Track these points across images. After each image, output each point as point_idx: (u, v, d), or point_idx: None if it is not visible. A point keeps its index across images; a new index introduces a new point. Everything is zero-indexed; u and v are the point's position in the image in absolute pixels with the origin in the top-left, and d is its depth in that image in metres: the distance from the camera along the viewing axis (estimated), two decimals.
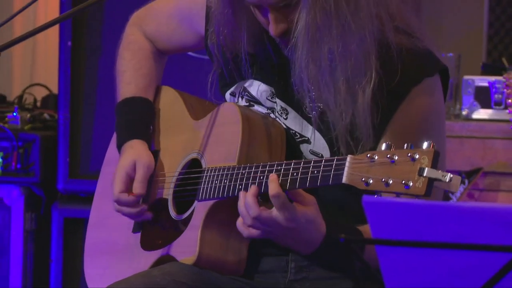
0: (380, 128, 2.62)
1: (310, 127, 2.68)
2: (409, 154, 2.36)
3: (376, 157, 2.39)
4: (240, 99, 2.79)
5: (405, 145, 2.37)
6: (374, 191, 2.37)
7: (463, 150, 4.01)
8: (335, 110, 2.59)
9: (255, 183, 2.57)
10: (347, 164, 2.41)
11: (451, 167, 3.90)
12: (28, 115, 4.31)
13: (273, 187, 2.48)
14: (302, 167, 2.52)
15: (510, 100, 4.01)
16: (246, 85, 2.79)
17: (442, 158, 2.55)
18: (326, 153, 2.65)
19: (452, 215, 2.04)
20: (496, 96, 4.07)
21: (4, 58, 4.11)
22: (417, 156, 2.35)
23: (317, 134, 2.67)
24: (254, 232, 2.54)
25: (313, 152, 2.67)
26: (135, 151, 2.85)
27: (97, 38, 4.16)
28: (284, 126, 2.72)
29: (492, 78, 4.08)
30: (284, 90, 2.73)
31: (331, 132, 2.62)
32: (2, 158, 4.20)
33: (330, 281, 2.75)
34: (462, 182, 3.97)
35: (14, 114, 4.27)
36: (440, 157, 2.40)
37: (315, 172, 2.48)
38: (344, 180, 2.39)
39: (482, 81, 4.10)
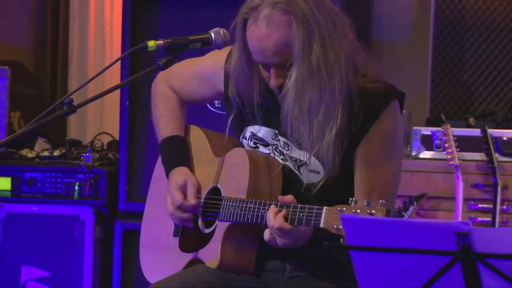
0: (348, 154, 2.60)
1: (305, 154, 2.65)
2: (368, 211, 2.37)
3: (344, 210, 2.41)
4: (250, 141, 2.75)
5: (365, 201, 2.40)
6: (341, 235, 2.39)
7: (413, 181, 3.99)
8: (308, 143, 2.58)
9: (258, 214, 2.60)
10: (323, 214, 2.44)
11: (405, 193, 3.87)
12: (97, 155, 4.30)
13: (280, 221, 2.51)
14: (292, 209, 2.54)
15: (446, 145, 3.98)
16: (254, 131, 2.76)
17: (399, 168, 2.65)
18: (321, 170, 2.63)
19: (405, 228, 2.03)
20: (436, 141, 4.04)
21: (80, 112, 4.09)
22: (373, 212, 2.36)
23: (312, 157, 2.62)
24: (272, 238, 2.54)
25: (310, 171, 2.65)
26: (185, 173, 2.81)
27: (147, 100, 4.15)
28: (288, 157, 2.69)
29: (434, 129, 4.06)
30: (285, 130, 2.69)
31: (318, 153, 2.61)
32: (78, 186, 4.18)
33: (316, 278, 2.73)
34: (412, 204, 3.94)
35: (87, 154, 4.25)
36: (394, 184, 2.44)
37: (301, 215, 2.51)
38: (321, 225, 2.41)
39: (427, 130, 4.08)
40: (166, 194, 2.80)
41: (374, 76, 2.64)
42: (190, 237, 2.82)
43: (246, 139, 2.77)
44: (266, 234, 2.55)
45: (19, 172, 4.20)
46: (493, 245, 1.93)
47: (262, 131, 2.74)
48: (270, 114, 2.70)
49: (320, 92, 2.54)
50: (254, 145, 2.75)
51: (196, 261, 2.73)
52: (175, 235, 2.85)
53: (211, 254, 2.69)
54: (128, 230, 4.09)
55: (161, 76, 2.98)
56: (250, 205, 2.60)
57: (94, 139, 4.54)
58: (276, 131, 2.72)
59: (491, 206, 3.90)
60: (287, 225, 2.49)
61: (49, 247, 4.16)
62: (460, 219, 3.85)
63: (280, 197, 2.56)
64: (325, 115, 2.55)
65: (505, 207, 3.93)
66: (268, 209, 2.54)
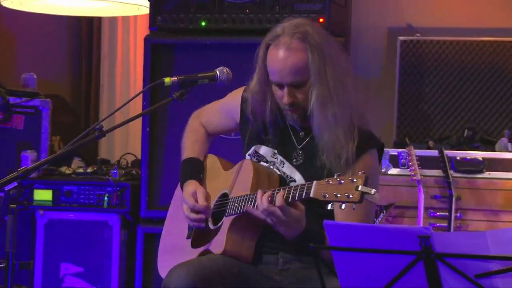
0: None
1: (297, 172, 2.64)
2: (350, 178, 2.35)
3: (331, 181, 2.38)
4: (253, 157, 2.75)
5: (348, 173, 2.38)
6: (329, 200, 2.37)
7: (383, 193, 3.97)
8: (335, 150, 2.58)
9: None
10: (313, 185, 2.40)
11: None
12: (123, 172, 4.29)
13: (280, 200, 2.45)
14: (292, 189, 2.50)
15: (410, 163, 3.98)
16: (256, 149, 2.75)
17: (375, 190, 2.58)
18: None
19: (377, 232, 2.01)
20: (402, 160, 4.03)
21: (109, 136, 4.08)
22: (355, 180, 2.34)
23: (299, 176, 2.63)
24: (266, 218, 2.50)
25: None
26: (195, 185, 2.81)
27: (164, 126, 4.15)
28: (282, 172, 2.68)
29: (400, 150, 4.06)
30: (285, 149, 2.69)
31: (308, 172, 2.61)
32: (107, 197, 4.16)
33: (303, 271, 2.71)
34: (382, 212, 3.92)
35: (115, 171, 4.24)
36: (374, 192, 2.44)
37: (294, 192, 2.48)
38: (311, 194, 2.39)
39: (394, 151, 4.07)
40: (182, 203, 2.80)
41: (364, 121, 2.66)
42: (201, 236, 2.81)
43: (250, 156, 2.77)
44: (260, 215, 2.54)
45: (58, 186, 4.19)
46: (449, 247, 1.93)
47: (263, 149, 2.74)
48: (273, 135, 2.71)
49: (340, 107, 2.57)
50: (257, 161, 2.75)
51: (206, 252, 2.72)
52: (188, 237, 2.84)
53: (217, 245, 2.67)
54: (148, 233, 4.07)
55: (194, 113, 3.02)
56: (252, 196, 2.58)
57: (120, 158, 4.53)
58: (275, 151, 2.72)
59: (447, 214, 3.89)
60: (271, 206, 2.46)
61: (83, 248, 4.14)
62: (421, 224, 3.84)
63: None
64: (345, 128, 2.57)
65: (458, 214, 3.92)
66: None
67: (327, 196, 2.33)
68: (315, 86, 2.56)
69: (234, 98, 2.85)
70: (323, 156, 2.60)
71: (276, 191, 2.49)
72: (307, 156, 2.67)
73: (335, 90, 2.55)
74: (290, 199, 2.45)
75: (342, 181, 2.32)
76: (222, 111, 2.93)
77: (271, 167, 2.72)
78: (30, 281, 4.16)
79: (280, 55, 2.57)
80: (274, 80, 2.62)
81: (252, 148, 2.76)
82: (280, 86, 2.61)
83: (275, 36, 2.60)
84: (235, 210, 2.64)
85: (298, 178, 2.66)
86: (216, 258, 2.64)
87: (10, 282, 2.46)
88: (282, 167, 2.69)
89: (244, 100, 2.79)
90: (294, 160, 2.68)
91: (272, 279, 2.69)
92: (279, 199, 2.44)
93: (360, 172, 2.31)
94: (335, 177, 2.36)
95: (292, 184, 2.65)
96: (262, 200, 2.47)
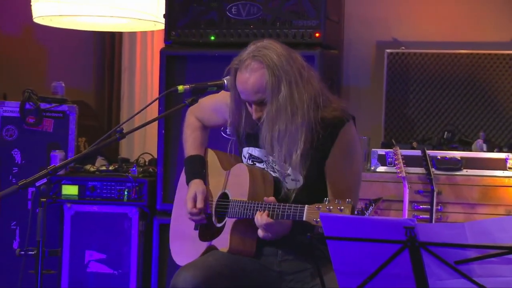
0: (319, 167, 2.57)
1: (289, 167, 2.61)
2: (338, 207, 2.35)
3: (321, 207, 2.39)
4: (248, 160, 2.74)
5: (336, 200, 2.38)
6: (319, 226, 2.37)
7: (372, 188, 3.96)
8: (281, 161, 2.57)
9: (256, 212, 2.56)
10: (305, 210, 2.42)
11: (366, 197, 3.83)
12: (141, 169, 4.27)
13: (265, 218, 2.49)
14: (282, 208, 2.51)
15: (396, 162, 3.96)
16: (249, 151, 2.73)
17: (357, 182, 2.59)
18: (300, 179, 2.61)
19: (367, 224, 2.00)
20: (389, 159, 4.01)
21: (129, 138, 4.07)
22: (342, 208, 2.34)
23: (290, 168, 2.60)
24: (262, 233, 2.52)
25: (292, 180, 2.63)
26: (197, 185, 2.78)
27: (178, 129, 4.15)
28: (275, 170, 2.66)
29: (387, 150, 4.04)
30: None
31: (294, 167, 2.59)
32: (127, 192, 4.15)
33: (301, 261, 2.70)
34: (371, 205, 3.90)
35: (134, 168, 4.23)
36: (355, 184, 2.48)
37: (288, 212, 2.48)
38: (304, 219, 2.41)
39: (382, 151, 4.06)
40: (185, 203, 2.80)
41: (334, 107, 2.61)
42: (207, 230, 2.79)
43: (245, 158, 2.75)
44: (260, 232, 2.54)
45: (84, 182, 4.18)
46: (432, 236, 1.91)
47: (256, 151, 2.73)
48: (257, 139, 2.68)
49: (286, 124, 2.52)
50: (252, 163, 2.73)
51: (211, 248, 2.70)
52: (195, 229, 2.83)
53: (223, 242, 2.66)
54: (164, 224, 4.03)
55: (190, 109, 2.97)
56: (250, 205, 2.58)
57: (139, 157, 4.51)
58: (265, 153, 2.71)
59: (429, 207, 3.88)
60: (269, 220, 2.48)
61: (105, 237, 4.13)
62: (406, 216, 3.83)
63: (265, 198, 2.55)
64: (290, 141, 2.53)
65: (439, 207, 3.90)
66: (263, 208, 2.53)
67: (318, 221, 2.35)
68: (268, 104, 2.54)
69: (224, 98, 2.82)
70: (279, 165, 2.62)
71: (271, 207, 2.52)
72: None
73: (284, 106, 2.51)
74: (280, 217, 2.49)
75: (331, 208, 2.33)
76: (216, 109, 2.90)
77: (266, 167, 2.71)
78: (59, 267, 4.15)
79: (243, 77, 2.56)
80: (243, 99, 2.62)
81: (245, 151, 2.75)
82: (249, 103, 2.61)
83: (241, 60, 2.59)
84: (236, 214, 2.64)
85: (290, 171, 2.64)
86: (220, 257, 2.63)
87: (41, 267, 2.46)
88: (275, 165, 2.68)
89: None
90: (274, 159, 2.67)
91: (273, 270, 2.68)
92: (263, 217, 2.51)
93: (347, 200, 2.32)
94: (325, 202, 2.37)
95: (288, 178, 2.64)
96: (262, 218, 2.51)
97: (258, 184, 2.65)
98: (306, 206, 2.38)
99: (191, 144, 2.92)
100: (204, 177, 2.83)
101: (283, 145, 2.53)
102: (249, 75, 2.55)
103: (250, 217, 2.56)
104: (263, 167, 2.70)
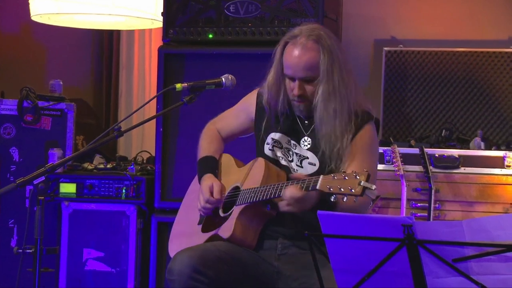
0: (342, 152, 2.64)
1: (308, 152, 2.69)
2: (354, 174, 2.35)
3: (336, 176, 2.38)
4: (270, 145, 2.76)
5: (352, 171, 2.41)
6: (333, 193, 2.37)
7: None
8: (329, 141, 2.64)
9: (271, 192, 2.57)
10: (320, 179, 2.41)
11: None
12: (139, 167, 4.27)
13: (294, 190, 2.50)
14: (301, 182, 2.47)
15: (394, 160, 3.96)
16: (273, 136, 2.76)
17: (374, 170, 2.65)
18: (316, 162, 2.66)
19: (365, 221, 2.00)
20: (387, 157, 4.02)
21: (127, 136, 4.07)
22: (358, 176, 2.34)
23: (311, 154, 2.66)
24: (286, 207, 2.53)
25: (309, 163, 2.68)
26: (212, 178, 2.80)
27: (176, 127, 4.14)
28: (295, 153, 2.71)
29: (385, 148, 4.04)
30: (295, 135, 2.74)
31: (319, 153, 2.65)
32: (125, 190, 4.14)
33: (299, 256, 2.70)
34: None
35: (132, 166, 4.23)
36: (373, 171, 2.49)
37: (306, 182, 2.44)
38: (317, 187, 2.39)
39: (380, 149, 4.05)
40: (199, 194, 2.79)
41: (363, 104, 2.72)
42: (211, 222, 2.79)
43: (268, 144, 2.77)
44: (283, 205, 2.53)
45: (82, 180, 4.17)
46: (430, 234, 1.91)
47: (278, 136, 2.74)
48: (286, 124, 2.75)
49: (341, 104, 2.62)
50: (272, 148, 2.74)
51: (215, 237, 2.70)
52: (199, 223, 2.82)
53: (226, 229, 2.66)
54: (162, 222, 4.04)
55: (210, 122, 3.03)
56: (263, 188, 2.60)
57: (136, 155, 4.51)
58: (289, 138, 2.73)
59: (427, 204, 3.88)
60: (298, 193, 2.48)
61: (103, 235, 4.12)
62: (404, 214, 3.83)
63: (295, 174, 2.59)
64: (339, 122, 2.63)
65: (437, 205, 3.90)
66: (278, 188, 2.54)
67: (332, 189, 2.34)
68: (322, 83, 2.63)
69: (249, 98, 2.87)
70: (322, 142, 2.66)
71: (290, 183, 2.53)
72: (313, 141, 2.71)
73: (338, 88, 2.62)
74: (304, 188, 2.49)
75: (347, 177, 2.32)
76: (238, 111, 2.94)
77: (285, 153, 2.75)
78: (56, 265, 4.15)
79: (296, 53, 2.63)
80: (288, 74, 2.67)
81: (269, 136, 2.76)
82: (293, 79, 2.67)
83: (293, 36, 2.67)
84: (245, 200, 2.65)
85: (310, 155, 2.70)
86: (220, 244, 2.62)
87: (39, 265, 2.45)
88: (295, 149, 2.72)
89: (259, 96, 2.83)
90: (303, 144, 2.72)
91: (271, 264, 2.68)
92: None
93: (364, 170, 2.33)
94: (341, 172, 2.37)
95: (305, 161, 2.69)
96: (294, 189, 2.51)
97: (272, 176, 2.68)
98: (321, 175, 2.41)
99: (206, 148, 2.94)
100: (216, 175, 2.85)
101: (336, 123, 2.61)
102: (303, 52, 2.62)
103: (262, 199, 2.56)
104: (281, 152, 2.75)
